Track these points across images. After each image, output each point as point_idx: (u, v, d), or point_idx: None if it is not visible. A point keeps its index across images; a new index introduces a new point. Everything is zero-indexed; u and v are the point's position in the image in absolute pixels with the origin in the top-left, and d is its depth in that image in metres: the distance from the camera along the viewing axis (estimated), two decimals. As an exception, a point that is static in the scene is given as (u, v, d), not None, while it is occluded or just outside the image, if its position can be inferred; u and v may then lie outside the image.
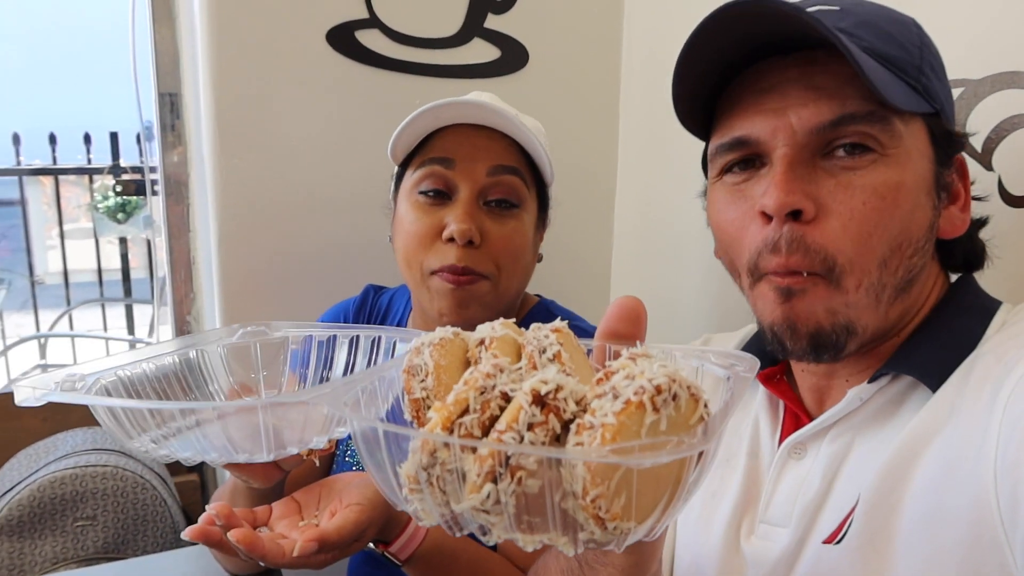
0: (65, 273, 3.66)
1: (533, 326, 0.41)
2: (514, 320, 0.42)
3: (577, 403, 0.34)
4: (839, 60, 0.56)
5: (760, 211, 0.59)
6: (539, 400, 0.33)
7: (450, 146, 0.87)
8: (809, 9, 0.60)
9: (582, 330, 0.95)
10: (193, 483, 1.57)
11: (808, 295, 0.59)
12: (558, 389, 0.33)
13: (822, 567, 0.59)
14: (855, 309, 0.59)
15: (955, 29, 0.77)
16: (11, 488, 1.24)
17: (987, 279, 0.67)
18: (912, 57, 0.59)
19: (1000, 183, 0.76)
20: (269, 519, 0.68)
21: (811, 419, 0.66)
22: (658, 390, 0.32)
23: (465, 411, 0.34)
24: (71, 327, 3.65)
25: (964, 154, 0.64)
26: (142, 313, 3.65)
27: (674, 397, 0.33)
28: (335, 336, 0.69)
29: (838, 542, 0.58)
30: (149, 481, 1.31)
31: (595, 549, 0.35)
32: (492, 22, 1.26)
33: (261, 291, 1.18)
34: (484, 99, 0.89)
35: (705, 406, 0.35)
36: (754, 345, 0.76)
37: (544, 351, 0.39)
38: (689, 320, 1.27)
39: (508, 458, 0.32)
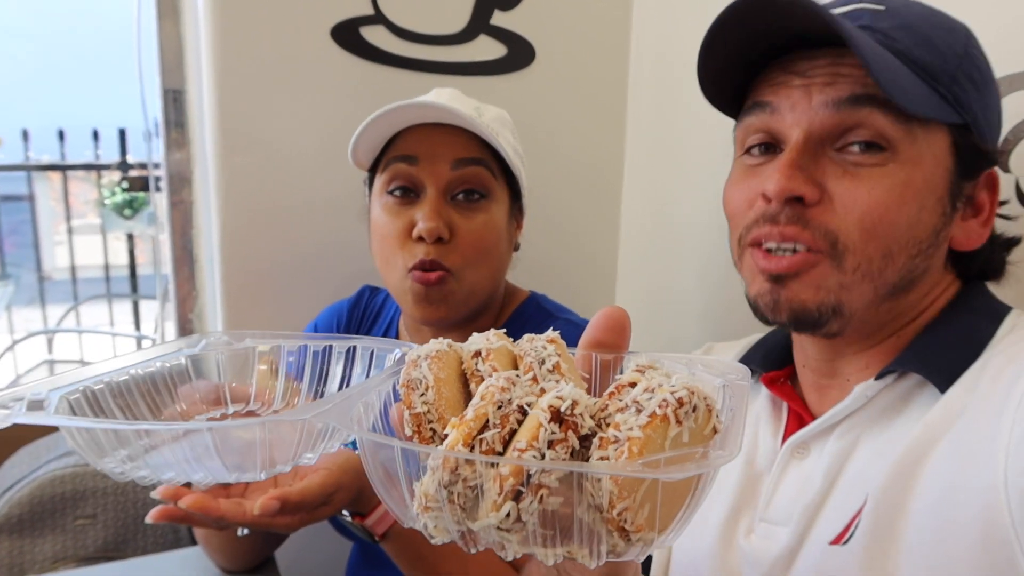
0: (72, 269, 3.67)
1: (526, 337, 0.42)
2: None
3: (591, 417, 0.34)
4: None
5: (762, 193, 0.61)
6: (557, 417, 0.33)
7: (413, 144, 0.87)
8: (852, 7, 0.61)
9: (574, 324, 0.94)
10: (195, 481, 1.56)
11: (802, 277, 0.60)
12: (574, 404, 0.34)
13: (829, 568, 0.58)
14: (847, 291, 0.60)
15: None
16: (11, 486, 1.23)
17: (1001, 286, 0.66)
18: (948, 65, 0.59)
19: (1018, 186, 0.74)
20: (244, 491, 0.67)
21: (815, 420, 0.65)
22: (680, 403, 0.33)
23: (485, 426, 0.34)
24: (78, 323, 3.66)
25: (999, 170, 0.63)
26: (149, 309, 3.66)
27: (694, 409, 0.34)
28: (306, 347, 0.67)
29: (845, 543, 0.58)
30: (150, 480, 1.30)
31: (614, 560, 0.35)
32: (498, 19, 1.25)
33: (263, 289, 1.17)
34: (443, 98, 0.89)
35: (717, 416, 0.35)
36: (757, 352, 0.76)
37: (543, 362, 0.40)
38: (695, 318, 1.26)
39: (530, 476, 0.32)
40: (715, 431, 0.35)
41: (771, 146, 0.64)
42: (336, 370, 0.66)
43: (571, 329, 0.82)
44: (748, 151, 0.66)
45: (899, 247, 0.59)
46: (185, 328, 1.42)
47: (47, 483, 1.20)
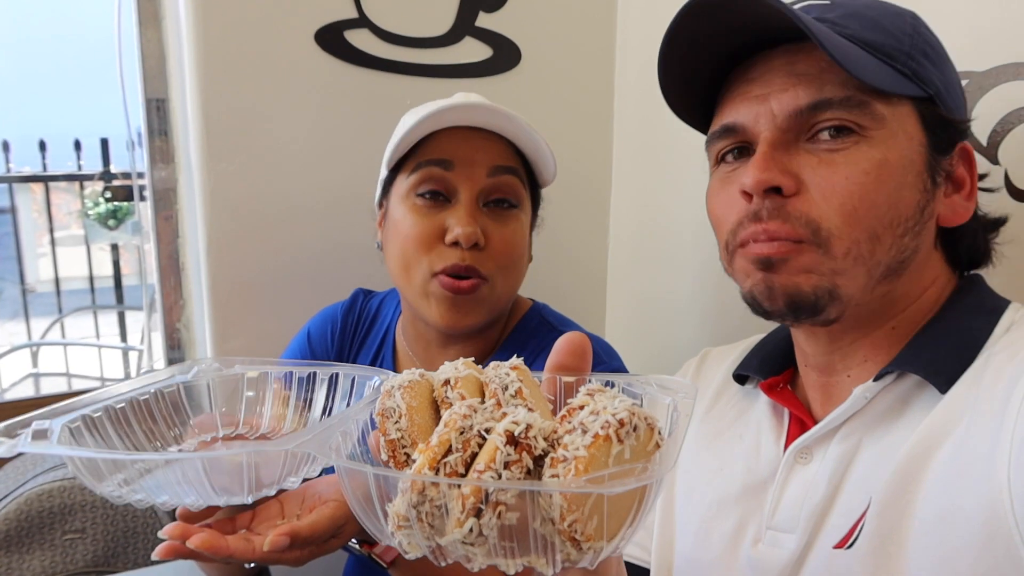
0: (56, 280, 3.63)
1: (492, 364, 0.45)
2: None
3: (545, 439, 0.38)
4: (821, 49, 0.57)
5: (741, 190, 0.61)
6: (512, 440, 0.37)
7: (448, 147, 0.85)
8: (801, 3, 0.62)
9: None
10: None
11: (791, 263, 0.59)
12: (528, 428, 0.37)
13: (835, 573, 0.58)
14: (841, 276, 0.59)
15: (960, 21, 0.76)
16: (-2, 501, 1.21)
17: (992, 275, 0.66)
18: (901, 44, 0.60)
19: (1007, 176, 0.74)
20: (250, 523, 0.65)
21: (816, 424, 0.65)
22: (621, 423, 0.37)
23: (448, 451, 0.38)
24: (63, 335, 3.62)
25: (970, 144, 0.64)
26: (135, 320, 3.62)
27: (635, 428, 0.37)
28: (291, 373, 0.71)
29: (850, 546, 0.57)
30: (140, 492, 1.28)
31: (569, 567, 0.39)
32: (484, 20, 1.24)
33: (250, 296, 1.16)
34: (480, 99, 0.88)
35: (659, 433, 0.39)
36: (754, 358, 0.76)
37: (507, 388, 0.43)
38: (685, 323, 1.26)
39: (488, 494, 0.35)
40: (658, 446, 0.38)
41: (744, 149, 0.64)
42: (319, 395, 0.70)
43: None
44: (722, 159, 0.66)
45: (883, 227, 0.58)
46: (172, 338, 1.40)
47: (34, 498, 1.18)
